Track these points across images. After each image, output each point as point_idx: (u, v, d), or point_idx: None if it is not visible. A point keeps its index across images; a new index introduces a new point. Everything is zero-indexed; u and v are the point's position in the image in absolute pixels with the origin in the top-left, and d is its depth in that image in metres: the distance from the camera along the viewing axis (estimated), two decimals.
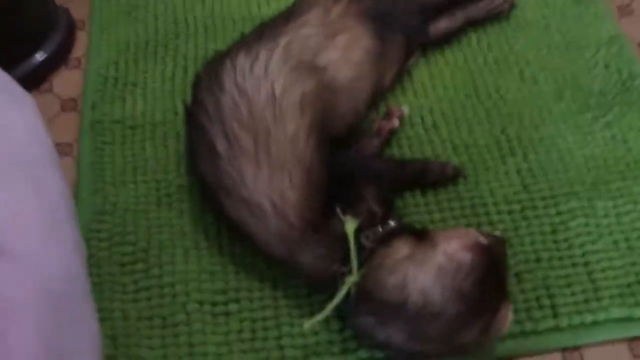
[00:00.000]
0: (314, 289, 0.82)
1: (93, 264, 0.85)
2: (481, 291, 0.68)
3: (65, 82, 1.08)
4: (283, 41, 0.86)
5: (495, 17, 1.09)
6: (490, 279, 0.69)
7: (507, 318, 0.70)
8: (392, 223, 0.79)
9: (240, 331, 0.81)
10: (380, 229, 0.77)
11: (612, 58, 1.05)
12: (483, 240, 0.71)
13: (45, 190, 0.75)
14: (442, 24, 1.04)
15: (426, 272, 0.69)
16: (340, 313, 0.78)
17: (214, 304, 0.83)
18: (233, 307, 0.83)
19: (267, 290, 0.84)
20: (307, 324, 0.76)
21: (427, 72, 1.05)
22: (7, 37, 0.98)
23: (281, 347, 0.80)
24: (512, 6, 1.09)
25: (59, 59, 1.10)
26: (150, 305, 0.83)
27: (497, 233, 0.78)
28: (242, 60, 0.83)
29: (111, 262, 0.87)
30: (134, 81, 1.05)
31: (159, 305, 0.83)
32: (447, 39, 1.07)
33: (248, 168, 0.77)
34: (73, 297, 0.72)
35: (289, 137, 0.79)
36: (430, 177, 0.91)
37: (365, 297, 0.72)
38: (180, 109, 1.00)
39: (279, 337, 0.80)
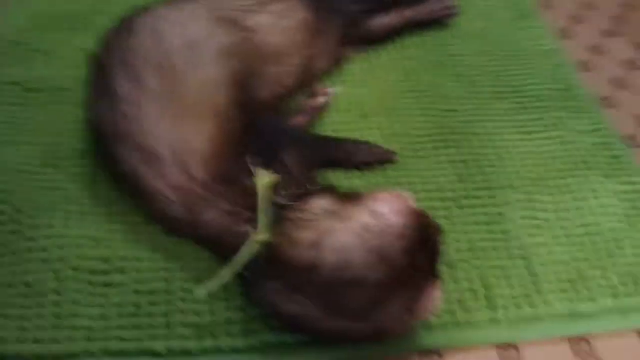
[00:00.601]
0: (216, 255, 0.70)
1: None
2: (408, 261, 0.58)
3: None
4: None
5: (436, 21, 1.07)
6: (419, 251, 0.59)
7: (435, 298, 0.60)
8: (310, 187, 0.69)
9: (120, 305, 0.68)
10: (296, 189, 0.68)
11: (551, 69, 1.04)
12: (416, 206, 0.63)
13: None
14: (383, 20, 1.02)
15: (347, 229, 0.58)
16: (244, 286, 0.66)
17: (93, 272, 0.71)
18: (116, 277, 0.70)
19: (160, 262, 0.72)
20: (200, 290, 0.64)
21: (366, 66, 1.01)
22: None
23: (169, 326, 0.66)
24: (453, 14, 1.08)
25: None
26: (13, 271, 0.70)
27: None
28: (162, 9, 0.77)
29: None
30: (42, 49, 0.97)
31: (24, 271, 0.70)
32: (387, 36, 1.04)
33: (150, 111, 0.69)
34: None
35: (205, 83, 0.72)
36: (357, 158, 0.84)
37: (274, 258, 0.61)
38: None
39: (166, 314, 0.67)
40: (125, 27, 0.76)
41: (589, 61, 1.09)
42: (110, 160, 0.72)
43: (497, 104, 0.96)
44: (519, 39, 1.09)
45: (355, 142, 0.85)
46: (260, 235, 0.62)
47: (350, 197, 0.64)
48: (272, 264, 0.61)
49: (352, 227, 0.59)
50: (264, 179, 0.66)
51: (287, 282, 0.60)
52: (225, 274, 0.64)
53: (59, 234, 0.73)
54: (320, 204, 0.63)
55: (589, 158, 0.89)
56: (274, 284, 0.60)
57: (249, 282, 0.64)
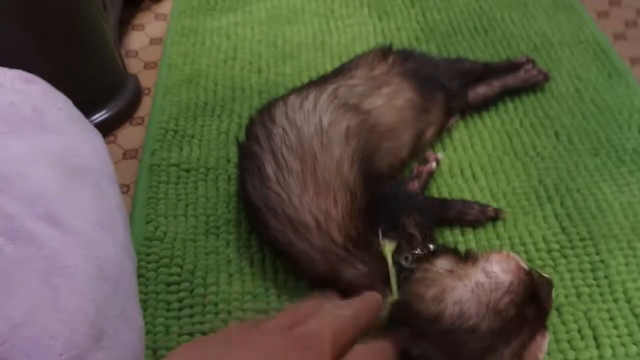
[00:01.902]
0: None
1: (140, 283, 0.88)
2: (516, 312, 0.68)
3: (129, 136, 1.17)
4: (331, 87, 0.94)
5: (530, 86, 1.17)
6: (528, 304, 0.70)
7: (543, 346, 0.69)
8: (431, 246, 0.81)
9: None
10: (419, 251, 0.80)
11: None
12: (524, 265, 0.73)
13: (104, 196, 0.82)
14: (480, 90, 1.12)
15: (464, 285, 0.70)
16: None
17: None
18: None
19: None
20: None
21: (466, 133, 1.11)
22: (80, 91, 1.08)
23: None
24: (547, 78, 1.17)
25: (124, 116, 1.20)
26: (192, 321, 0.85)
27: (545, 275, 0.77)
28: (293, 99, 0.92)
29: (157, 281, 0.89)
30: (191, 133, 1.13)
31: (200, 322, 0.84)
32: (485, 104, 1.13)
33: (295, 188, 0.82)
34: (122, 287, 0.75)
35: (335, 161, 0.84)
36: (470, 217, 0.94)
37: (402, 309, 0.73)
38: (232, 156, 1.07)
39: None
40: (266, 116, 0.90)
41: None
42: (262, 228, 0.85)
43: (595, 159, 1.04)
44: (612, 96, 1.16)
45: (466, 202, 0.96)
46: (392, 298, 0.74)
47: (468, 258, 0.75)
48: (401, 314, 0.72)
49: (468, 284, 0.70)
50: (389, 246, 0.78)
51: (413, 329, 0.71)
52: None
53: (224, 291, 0.87)
54: (442, 263, 0.75)
55: None
56: (404, 331, 0.71)
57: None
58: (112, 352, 0.67)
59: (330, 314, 0.56)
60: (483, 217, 0.94)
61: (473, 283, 0.70)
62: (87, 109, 1.06)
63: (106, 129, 1.15)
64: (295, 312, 0.57)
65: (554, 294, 0.76)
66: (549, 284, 0.75)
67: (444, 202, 0.96)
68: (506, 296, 0.69)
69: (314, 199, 0.81)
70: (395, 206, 0.87)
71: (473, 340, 0.67)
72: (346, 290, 0.80)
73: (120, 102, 1.19)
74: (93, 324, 0.64)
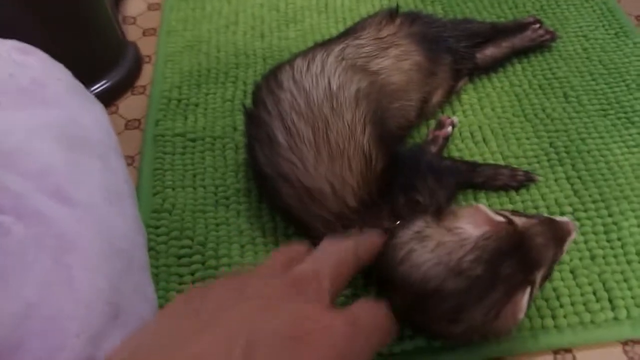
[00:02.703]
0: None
1: (151, 256, 0.87)
2: (486, 270, 0.63)
3: (130, 105, 1.15)
4: (338, 47, 0.92)
5: (537, 46, 1.15)
6: (501, 259, 0.64)
7: (522, 304, 0.64)
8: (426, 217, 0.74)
9: None
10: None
11: None
12: (497, 217, 0.67)
13: (111, 169, 0.81)
14: (488, 51, 1.10)
15: (424, 247, 0.66)
16: None
17: None
18: None
19: None
20: None
21: (475, 95, 1.09)
22: (79, 61, 1.05)
23: None
24: (554, 38, 1.15)
25: (125, 86, 1.18)
26: None
27: (560, 218, 0.70)
28: (300, 62, 0.90)
29: (168, 254, 0.88)
30: (195, 102, 1.11)
31: None
32: (493, 66, 1.12)
33: (309, 156, 0.80)
34: (134, 261, 0.75)
35: (347, 126, 0.82)
36: (499, 182, 0.93)
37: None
38: (238, 124, 1.06)
39: None
40: (273, 81, 0.88)
41: None
42: (274, 197, 0.84)
43: (604, 121, 1.03)
44: (620, 56, 1.15)
45: (496, 167, 0.95)
46: None
47: (441, 215, 0.70)
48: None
49: (429, 244, 0.66)
50: None
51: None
52: None
53: (237, 262, 0.87)
54: (415, 225, 0.70)
55: None
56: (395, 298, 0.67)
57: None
58: (128, 328, 0.66)
59: (329, 250, 0.56)
60: (513, 181, 0.93)
61: (434, 243, 0.66)
62: (86, 80, 1.04)
63: (107, 99, 1.12)
64: (287, 252, 0.56)
65: (568, 242, 0.69)
66: (556, 228, 0.68)
67: (472, 166, 0.94)
68: (469, 254, 0.63)
69: (329, 166, 0.80)
70: (413, 170, 0.85)
71: (437, 303, 0.64)
72: None
73: (120, 71, 1.17)
74: (109, 300, 0.64)
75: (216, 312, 0.44)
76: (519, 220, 0.68)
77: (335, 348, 0.44)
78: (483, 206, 0.69)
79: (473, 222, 0.66)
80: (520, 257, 0.64)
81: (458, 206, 0.75)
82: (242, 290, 0.46)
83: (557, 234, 0.68)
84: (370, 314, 0.54)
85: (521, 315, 0.64)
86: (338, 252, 0.56)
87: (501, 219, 0.66)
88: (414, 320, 0.69)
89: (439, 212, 0.71)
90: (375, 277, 0.73)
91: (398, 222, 0.75)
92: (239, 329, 0.41)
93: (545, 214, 0.76)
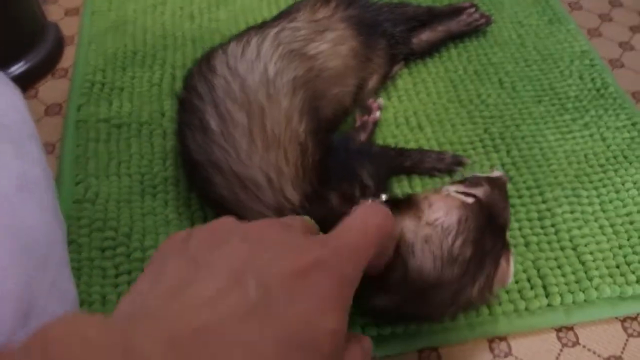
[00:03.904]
0: None
1: (72, 250, 0.82)
2: (474, 249, 0.65)
3: (51, 89, 1.08)
4: (273, 31, 0.89)
5: (473, 31, 1.15)
6: (483, 233, 0.66)
7: (509, 269, 0.68)
8: (383, 196, 0.77)
9: None
10: (371, 201, 0.76)
11: (585, 69, 1.10)
12: (467, 200, 0.69)
13: (26, 156, 0.74)
14: (424, 36, 1.09)
15: (415, 246, 0.65)
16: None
17: None
18: None
19: None
20: None
21: (410, 81, 1.08)
22: None
23: None
24: (489, 22, 1.15)
25: (45, 68, 1.11)
26: None
27: (495, 174, 0.75)
28: (234, 47, 0.86)
29: (91, 247, 0.83)
30: (120, 86, 1.05)
31: None
32: (429, 50, 1.11)
33: (242, 143, 0.77)
34: (51, 256, 0.69)
35: (283, 113, 0.79)
36: (427, 164, 0.92)
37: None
38: (166, 110, 1.01)
39: None
40: (205, 67, 0.84)
41: (620, 57, 1.17)
42: (205, 185, 0.80)
43: (539, 107, 1.03)
44: (553, 42, 1.16)
45: (423, 151, 0.94)
46: None
47: (410, 207, 0.69)
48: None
49: (418, 243, 0.65)
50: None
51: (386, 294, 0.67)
52: None
53: None
54: None
55: (627, 152, 0.97)
56: (382, 298, 0.68)
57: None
58: None
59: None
60: (441, 164, 0.92)
61: (422, 241, 0.65)
62: (2, 61, 0.98)
63: (25, 82, 1.06)
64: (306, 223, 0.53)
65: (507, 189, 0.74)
66: (500, 185, 0.72)
67: (399, 151, 0.93)
68: (457, 240, 0.65)
69: (264, 155, 0.76)
70: (348, 158, 0.83)
71: (440, 292, 0.65)
72: None
73: (39, 52, 1.10)
74: (20, 300, 0.59)
75: (214, 251, 0.40)
76: (478, 192, 0.70)
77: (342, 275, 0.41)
78: (451, 190, 0.71)
79: (447, 209, 0.67)
80: (493, 226, 0.68)
81: (427, 193, 0.73)
82: (236, 231, 0.43)
83: (502, 190, 0.72)
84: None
85: (511, 278, 0.69)
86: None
87: (471, 199, 0.68)
88: (403, 314, 0.70)
89: (409, 203, 0.70)
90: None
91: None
92: (243, 269, 0.38)
93: (479, 174, 0.76)
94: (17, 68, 1.06)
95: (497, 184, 0.72)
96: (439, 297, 0.66)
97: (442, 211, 0.67)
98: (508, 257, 0.68)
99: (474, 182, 0.72)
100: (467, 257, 0.65)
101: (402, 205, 0.70)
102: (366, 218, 0.46)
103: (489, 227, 0.67)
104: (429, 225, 0.66)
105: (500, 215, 0.69)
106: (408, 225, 0.67)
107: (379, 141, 0.97)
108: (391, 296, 0.66)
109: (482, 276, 0.66)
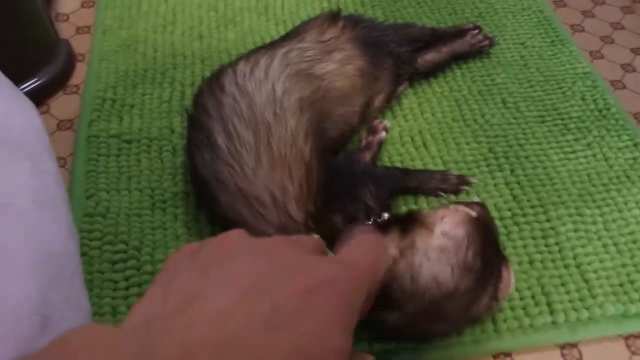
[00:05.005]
0: None
1: (84, 262, 0.83)
2: (483, 260, 0.68)
3: (63, 105, 1.10)
4: (281, 51, 0.90)
5: (477, 52, 1.17)
6: (487, 246, 0.70)
7: (511, 277, 0.72)
8: (385, 215, 0.79)
9: None
10: (373, 221, 0.77)
11: (588, 90, 1.12)
12: (472, 213, 0.72)
13: (42, 171, 0.76)
14: (429, 56, 1.11)
15: (428, 259, 0.68)
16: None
17: None
18: None
19: None
20: None
21: (415, 100, 1.10)
22: (7, 58, 1.00)
23: None
24: (493, 43, 1.17)
25: (57, 85, 1.12)
26: None
27: (475, 198, 0.80)
28: (242, 66, 0.87)
29: (102, 260, 0.84)
30: (131, 103, 1.07)
31: None
32: (433, 70, 1.13)
33: (248, 160, 0.78)
34: (66, 268, 0.71)
35: (290, 132, 0.81)
36: (432, 185, 0.93)
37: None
38: (176, 126, 1.02)
39: None
40: (215, 85, 0.86)
41: (621, 79, 1.19)
42: (212, 203, 0.81)
43: (542, 127, 1.05)
44: (556, 64, 1.18)
45: (427, 172, 0.95)
46: None
47: (416, 223, 0.72)
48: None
49: (433, 254, 0.68)
50: None
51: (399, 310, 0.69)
52: None
53: None
54: (395, 237, 0.71)
55: (630, 171, 0.98)
56: (393, 315, 0.69)
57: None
58: None
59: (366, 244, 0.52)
60: (445, 184, 0.94)
61: (437, 250, 0.68)
62: (15, 77, 0.99)
63: (38, 98, 1.08)
64: (315, 241, 0.53)
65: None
66: (485, 207, 0.78)
67: (404, 172, 0.94)
68: (470, 250, 0.68)
69: (269, 173, 0.78)
70: (352, 180, 0.85)
71: (456, 302, 0.67)
72: None
73: (52, 69, 1.11)
74: (37, 311, 0.60)
75: (224, 264, 0.41)
76: (475, 210, 0.74)
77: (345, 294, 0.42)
78: (459, 205, 0.75)
79: (457, 222, 0.71)
80: (493, 239, 0.73)
81: (434, 208, 0.75)
82: (246, 245, 0.44)
83: (488, 211, 0.78)
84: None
85: (513, 287, 0.73)
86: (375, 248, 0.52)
87: (474, 213, 0.72)
88: (413, 331, 0.71)
89: (414, 219, 0.72)
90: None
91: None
92: (253, 284, 0.39)
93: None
94: (30, 84, 1.08)
95: (482, 206, 0.76)
96: (454, 308, 0.68)
97: (453, 224, 0.70)
98: (508, 267, 0.72)
99: (466, 204, 0.75)
100: (479, 266, 0.68)
101: (407, 221, 0.73)
102: (371, 247, 0.47)
103: (490, 240, 0.72)
104: (444, 235, 0.69)
105: (495, 231, 0.75)
106: (420, 236, 0.70)
107: (385, 159, 0.99)
108: (405, 312, 0.67)
109: (491, 285, 0.69)
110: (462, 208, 0.73)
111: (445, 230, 0.70)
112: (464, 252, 0.68)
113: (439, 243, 0.69)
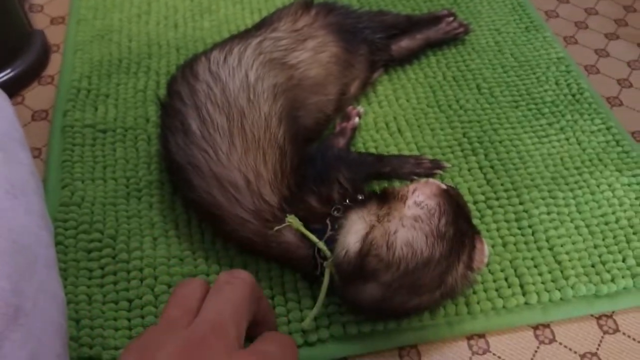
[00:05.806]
0: (287, 267, 0.82)
1: (59, 251, 0.83)
2: (455, 228, 0.70)
3: (38, 96, 1.10)
4: (255, 40, 0.91)
5: (452, 39, 1.17)
6: (459, 217, 0.72)
7: (485, 249, 0.73)
8: (360, 197, 0.79)
9: None
10: (349, 202, 0.78)
11: (562, 75, 1.13)
12: (442, 185, 0.75)
13: (14, 162, 0.76)
14: (403, 43, 1.11)
15: (403, 225, 0.69)
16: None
17: None
18: None
19: None
20: (305, 324, 0.75)
21: (390, 87, 1.10)
22: None
23: None
24: (468, 31, 1.18)
25: (32, 75, 1.12)
26: (116, 289, 0.81)
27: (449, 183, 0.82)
28: (216, 54, 0.88)
29: (77, 249, 0.84)
30: (106, 92, 1.07)
31: (125, 288, 0.81)
32: (408, 57, 1.13)
33: (222, 145, 0.78)
34: (39, 258, 0.70)
35: (264, 117, 0.81)
36: (405, 169, 0.94)
37: (346, 263, 0.71)
38: (151, 115, 1.02)
39: None
40: (188, 72, 0.86)
41: (595, 64, 1.20)
42: (186, 188, 0.81)
43: (516, 112, 1.06)
44: (530, 49, 1.19)
45: (401, 156, 0.96)
46: (330, 261, 0.73)
47: (390, 197, 0.75)
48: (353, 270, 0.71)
49: (407, 222, 0.69)
50: (293, 220, 0.75)
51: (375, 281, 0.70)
52: (318, 306, 0.74)
53: (149, 255, 0.84)
54: (372, 209, 0.73)
55: (602, 155, 1.00)
56: (369, 287, 0.70)
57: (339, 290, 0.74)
58: (30, 329, 0.62)
59: (223, 298, 0.54)
60: (419, 168, 0.94)
61: (411, 219, 0.70)
62: None
63: (12, 89, 1.08)
64: (182, 305, 0.55)
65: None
66: (457, 190, 0.80)
67: (378, 158, 0.95)
68: (442, 218, 0.70)
69: (243, 157, 0.78)
70: (326, 164, 0.85)
71: (430, 270, 0.68)
72: (278, 253, 0.80)
73: (26, 59, 1.11)
74: (8, 302, 0.60)
75: None
76: (445, 184, 0.76)
77: None
78: (431, 179, 0.80)
79: (429, 193, 0.73)
80: (463, 212, 0.75)
81: (402, 186, 0.79)
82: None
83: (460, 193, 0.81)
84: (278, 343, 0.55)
85: (487, 259, 0.74)
86: (231, 300, 0.55)
87: (445, 186, 0.75)
88: (386, 306, 0.71)
89: (388, 194, 0.75)
90: (338, 282, 0.73)
91: (335, 209, 0.77)
92: None
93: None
94: (4, 75, 1.07)
95: (453, 188, 0.78)
96: (429, 277, 0.68)
97: (425, 195, 0.72)
98: (481, 239, 0.74)
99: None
100: (452, 234, 0.69)
101: (382, 196, 0.76)
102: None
103: (461, 212, 0.73)
104: (416, 205, 0.71)
105: (465, 206, 0.78)
106: (395, 207, 0.72)
107: (360, 145, 0.99)
108: (381, 282, 0.68)
109: (465, 254, 0.71)
110: (432, 181, 0.76)
111: (418, 201, 0.72)
112: (437, 220, 0.70)
113: (413, 212, 0.71)
